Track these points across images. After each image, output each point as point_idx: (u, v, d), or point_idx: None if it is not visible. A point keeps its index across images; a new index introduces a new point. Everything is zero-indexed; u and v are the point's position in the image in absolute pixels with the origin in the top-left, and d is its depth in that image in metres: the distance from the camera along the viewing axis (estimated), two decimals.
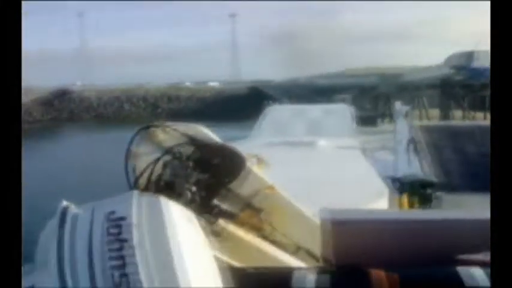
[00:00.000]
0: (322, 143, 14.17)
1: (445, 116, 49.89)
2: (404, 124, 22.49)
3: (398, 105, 25.57)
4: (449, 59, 66.88)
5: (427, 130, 22.72)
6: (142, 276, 1.46)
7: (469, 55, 62.72)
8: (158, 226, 1.58)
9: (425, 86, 60.19)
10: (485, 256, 1.87)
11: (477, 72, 58.63)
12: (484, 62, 60.56)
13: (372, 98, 63.77)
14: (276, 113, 19.41)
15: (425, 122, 30.90)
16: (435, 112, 46.31)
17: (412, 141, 20.86)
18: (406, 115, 23.79)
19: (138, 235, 1.53)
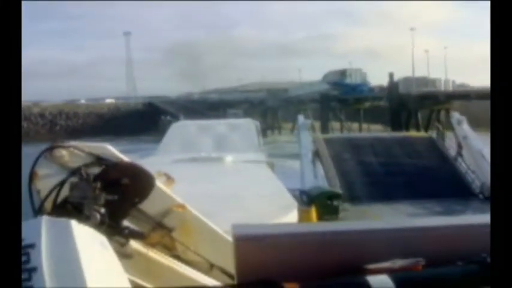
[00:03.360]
0: (229, 158, 13.85)
1: (325, 127, 52.05)
2: (308, 137, 22.71)
3: (301, 119, 25.43)
4: (326, 76, 70.19)
5: (330, 142, 22.94)
6: None
7: (343, 72, 66.39)
8: (70, 252, 1.40)
9: (308, 100, 62.58)
10: (392, 264, 1.89)
11: (350, 88, 62.13)
12: (355, 78, 64.55)
13: (261, 111, 65.19)
14: (182, 129, 18.78)
15: (328, 135, 31.67)
16: (317, 124, 48.56)
17: (316, 153, 21.17)
18: (310, 128, 24.06)
19: (48, 262, 1.35)
